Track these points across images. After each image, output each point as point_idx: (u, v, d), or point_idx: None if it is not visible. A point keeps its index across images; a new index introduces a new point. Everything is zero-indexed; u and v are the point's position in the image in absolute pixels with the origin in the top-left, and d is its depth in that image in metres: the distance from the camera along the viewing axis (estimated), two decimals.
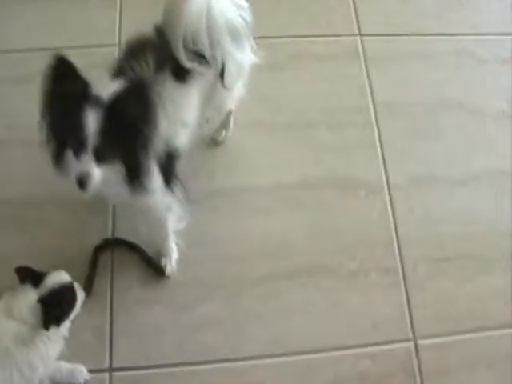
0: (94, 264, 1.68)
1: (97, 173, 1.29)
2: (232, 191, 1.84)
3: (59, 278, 1.42)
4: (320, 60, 2.07)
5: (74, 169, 1.30)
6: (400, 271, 1.78)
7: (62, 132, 1.29)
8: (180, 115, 1.47)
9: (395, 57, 2.12)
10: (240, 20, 1.45)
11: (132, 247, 1.72)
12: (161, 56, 1.41)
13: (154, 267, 1.71)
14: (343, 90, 2.03)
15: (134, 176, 1.34)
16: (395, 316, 1.73)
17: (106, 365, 1.62)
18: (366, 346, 1.70)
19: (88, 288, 1.62)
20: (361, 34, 2.14)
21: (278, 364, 1.66)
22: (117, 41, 2.02)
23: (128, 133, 1.27)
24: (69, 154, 1.31)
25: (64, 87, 1.24)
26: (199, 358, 1.64)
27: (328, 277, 1.76)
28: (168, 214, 1.58)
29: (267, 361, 1.66)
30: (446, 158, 1.96)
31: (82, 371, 1.58)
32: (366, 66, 2.08)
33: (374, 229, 1.83)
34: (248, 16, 1.47)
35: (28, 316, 1.36)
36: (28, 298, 1.37)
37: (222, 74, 1.51)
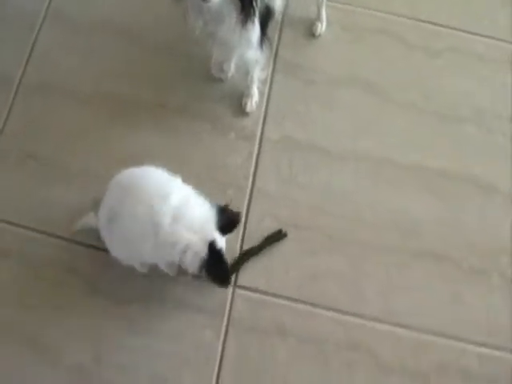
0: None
1: None
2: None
3: None
4: (479, 60, 2.08)
5: None
6: None
7: None
8: None
9: None
10: None
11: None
12: None
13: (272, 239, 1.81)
14: (499, 96, 2.04)
15: (245, 11, 1.55)
16: None
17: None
18: (477, 344, 1.71)
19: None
20: None
21: (386, 331, 1.72)
22: None
23: None
24: None
25: None
26: (315, 300, 1.75)
27: (451, 267, 1.80)
28: (256, 65, 1.89)
29: (377, 325, 1.73)
30: None
31: None
32: None
33: (503, 236, 1.85)
34: None
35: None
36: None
37: None
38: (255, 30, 1.68)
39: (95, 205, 1.65)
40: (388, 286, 1.77)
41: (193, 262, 1.52)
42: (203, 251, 1.50)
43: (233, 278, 1.76)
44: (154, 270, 1.69)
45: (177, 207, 1.51)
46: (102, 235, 1.64)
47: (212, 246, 1.51)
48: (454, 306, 1.76)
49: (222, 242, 1.55)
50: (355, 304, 1.74)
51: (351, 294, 1.76)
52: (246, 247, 1.80)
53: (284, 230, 1.81)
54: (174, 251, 1.52)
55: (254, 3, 1.56)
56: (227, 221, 1.55)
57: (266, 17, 1.73)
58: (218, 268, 1.54)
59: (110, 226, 1.59)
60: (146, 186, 1.56)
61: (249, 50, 1.77)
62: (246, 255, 1.78)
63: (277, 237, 1.80)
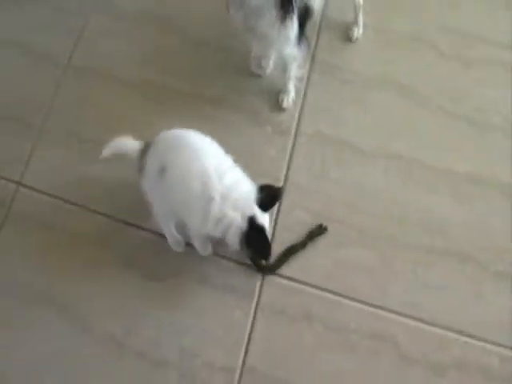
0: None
1: None
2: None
3: None
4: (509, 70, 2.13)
5: None
6: None
7: None
8: None
9: None
10: None
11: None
12: None
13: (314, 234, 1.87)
14: None
15: (284, 7, 1.64)
16: None
17: None
18: (498, 345, 1.75)
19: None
20: None
21: (411, 326, 1.77)
22: None
23: None
24: None
25: None
26: (344, 291, 1.80)
27: (475, 269, 1.84)
28: (293, 62, 1.95)
29: (402, 319, 1.77)
30: None
31: None
32: None
33: None
34: None
35: None
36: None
37: None
38: (293, 27, 1.75)
39: (145, 147, 1.68)
40: (414, 282, 1.82)
41: (234, 238, 1.58)
42: (244, 227, 1.57)
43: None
44: (188, 248, 1.77)
45: (227, 187, 1.58)
46: (145, 185, 1.67)
47: (252, 221, 1.57)
48: (476, 307, 1.80)
49: (263, 218, 1.61)
50: (382, 297, 1.79)
51: (379, 287, 1.81)
52: (277, 240, 1.85)
53: (324, 225, 1.86)
54: (217, 227, 1.58)
55: (293, 0, 1.65)
56: (268, 196, 1.62)
57: (305, 15, 1.81)
58: (258, 242, 1.60)
59: (159, 181, 1.62)
60: (202, 154, 1.62)
61: (287, 47, 1.84)
62: (290, 252, 1.83)
63: (318, 231, 1.86)
